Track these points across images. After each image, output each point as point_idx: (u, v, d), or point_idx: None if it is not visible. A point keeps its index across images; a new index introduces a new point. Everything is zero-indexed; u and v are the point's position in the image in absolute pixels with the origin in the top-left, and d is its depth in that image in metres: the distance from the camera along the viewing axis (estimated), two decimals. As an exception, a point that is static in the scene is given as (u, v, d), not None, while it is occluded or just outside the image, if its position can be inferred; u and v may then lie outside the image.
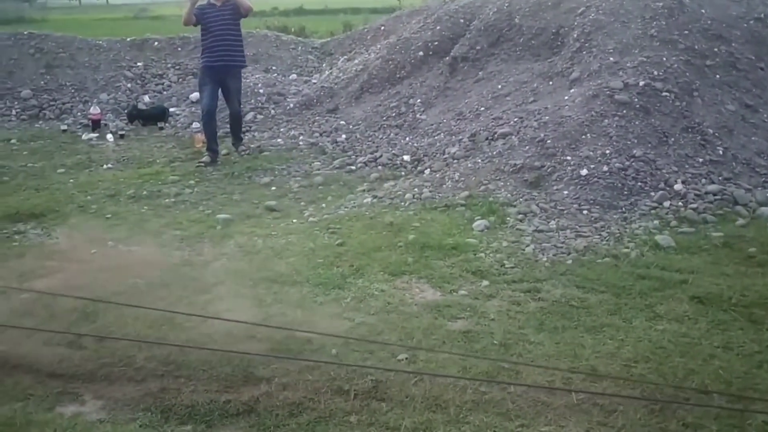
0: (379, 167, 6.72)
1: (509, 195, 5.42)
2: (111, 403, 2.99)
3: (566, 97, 6.40)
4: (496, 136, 6.29)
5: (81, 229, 5.28)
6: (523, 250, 4.61)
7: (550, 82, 6.97)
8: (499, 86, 7.28)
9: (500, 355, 3.32)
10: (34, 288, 4.15)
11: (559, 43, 7.51)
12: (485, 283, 4.15)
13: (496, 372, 3.14)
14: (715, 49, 6.67)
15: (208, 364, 3.26)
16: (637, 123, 5.85)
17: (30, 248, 4.86)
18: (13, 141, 8.40)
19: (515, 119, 6.38)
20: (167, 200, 6.02)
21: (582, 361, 3.25)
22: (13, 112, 9.66)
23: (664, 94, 6.07)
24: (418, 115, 7.58)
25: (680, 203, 5.17)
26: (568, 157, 5.65)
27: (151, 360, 3.30)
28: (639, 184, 5.37)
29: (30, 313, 3.78)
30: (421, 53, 8.51)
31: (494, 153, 6.03)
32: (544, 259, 4.47)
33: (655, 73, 6.25)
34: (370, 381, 3.09)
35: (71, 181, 6.71)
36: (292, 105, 8.91)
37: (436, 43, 8.52)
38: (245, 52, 7.91)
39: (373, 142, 7.38)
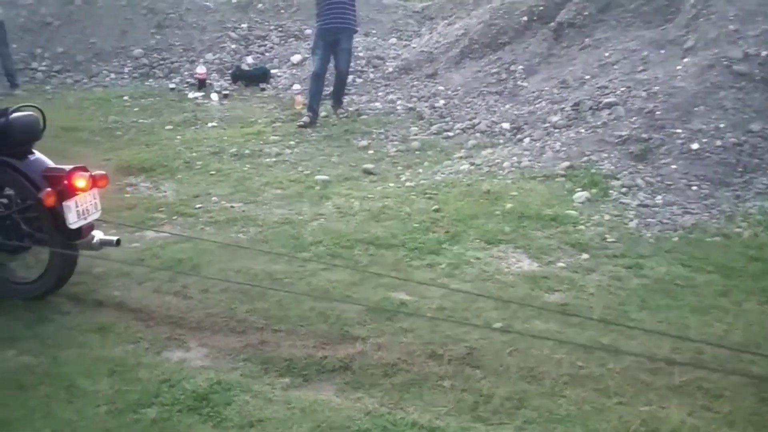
0: (477, 134, 6.62)
1: (613, 167, 5.22)
2: (214, 351, 3.11)
3: (679, 67, 6.06)
4: (601, 105, 6.05)
5: (187, 183, 5.49)
6: (626, 224, 4.45)
7: (662, 51, 6.62)
8: (607, 54, 6.98)
9: (599, 330, 3.24)
10: (145, 238, 4.38)
11: (673, 9, 7.12)
12: (585, 256, 4.04)
13: (595, 347, 3.06)
14: None
15: (306, 320, 3.34)
16: (756, 96, 5.49)
17: (141, 200, 5.09)
18: (125, 98, 8.80)
19: (622, 89, 6.11)
20: (268, 159, 6.17)
21: (686, 342, 3.12)
22: (126, 70, 10.10)
23: (789, 65, 5.66)
24: (519, 82, 7.40)
25: (801, 183, 4.85)
26: (679, 130, 5.37)
27: (252, 313, 3.42)
28: (755, 160, 5.06)
29: (141, 262, 3.97)
30: (524, 18, 8.26)
31: (599, 123, 5.82)
32: (649, 234, 4.31)
33: (780, 42, 5.83)
34: (464, 347, 3.09)
35: (178, 137, 6.97)
36: (391, 69, 8.89)
37: (541, 8, 8.24)
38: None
39: (472, 109, 7.26)
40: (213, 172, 5.77)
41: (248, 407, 2.68)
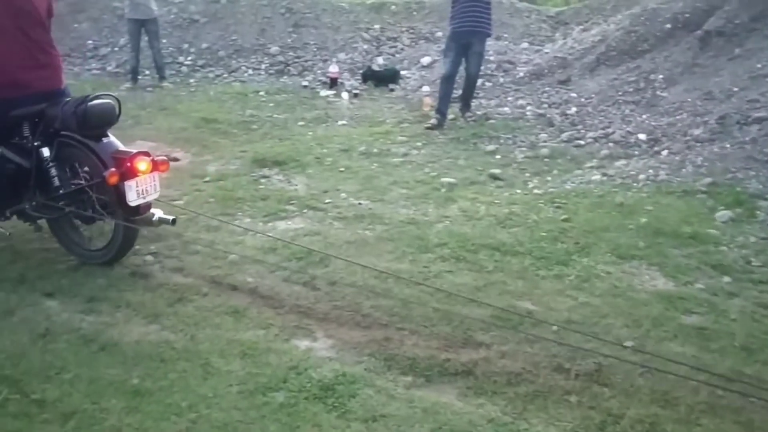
0: (611, 144, 6.40)
1: (761, 186, 4.89)
2: (340, 343, 3.18)
3: (843, 82, 5.59)
4: (750, 120, 5.68)
5: (317, 178, 5.64)
6: (775, 248, 4.15)
7: (824, 64, 6.13)
8: (759, 65, 6.54)
9: (741, 359, 3.03)
10: (277, 229, 4.54)
11: (840, 18, 6.57)
12: (726, 279, 3.80)
13: (736, 377, 2.87)
14: None
15: (430, 321, 3.33)
16: None
17: (273, 192, 5.28)
18: (261, 93, 9.18)
19: (776, 103, 5.71)
20: (395, 159, 6.23)
21: None
22: (263, 66, 10.55)
23: None
24: (658, 92, 7.07)
25: None
26: (840, 150, 4.96)
27: (377, 309, 3.46)
28: None
29: (273, 252, 4.12)
30: (668, 25, 7.90)
31: (747, 139, 5.46)
32: (801, 261, 3.99)
33: None
34: (592, 363, 2.98)
35: (310, 133, 7.19)
36: (521, 74, 8.75)
37: (687, 15, 7.85)
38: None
39: (606, 118, 7.02)
40: (342, 169, 5.89)
41: (372, 401, 2.72)
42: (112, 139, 3.81)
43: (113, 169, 3.56)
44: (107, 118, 3.79)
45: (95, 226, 4.02)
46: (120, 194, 3.61)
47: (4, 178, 3.87)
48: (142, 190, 3.67)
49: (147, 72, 10.25)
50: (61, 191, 3.82)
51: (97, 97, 3.77)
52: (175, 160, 6.14)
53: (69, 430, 2.51)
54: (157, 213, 3.85)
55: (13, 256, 4.05)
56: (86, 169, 3.82)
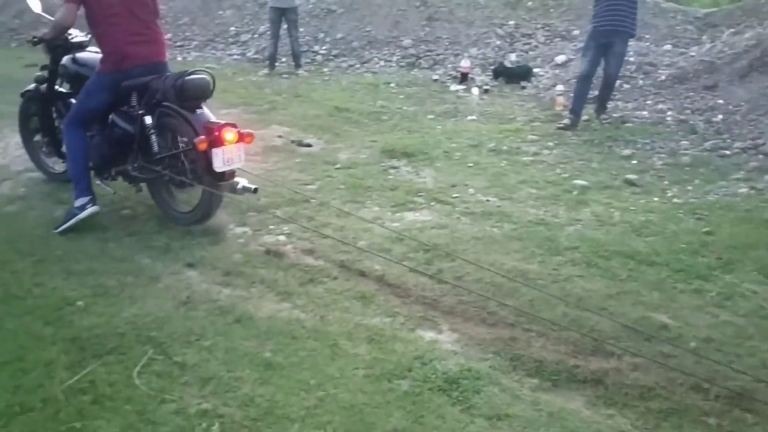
0: (761, 156, 5.98)
1: None
2: (465, 338, 3.16)
3: None
4: None
5: (445, 172, 5.63)
6: None
7: None
8: None
9: None
10: (405, 219, 4.57)
11: None
12: None
13: None
14: None
15: (558, 325, 3.25)
16: None
17: (401, 183, 5.32)
18: (392, 85, 9.28)
19: None
20: (525, 158, 6.11)
21: None
22: (394, 58, 10.66)
23: None
24: (818, 103, 6.54)
25: None
26: None
27: (503, 307, 3.41)
28: None
29: (400, 242, 4.15)
30: (834, 31, 7.27)
31: None
32: None
33: None
34: (734, 386, 2.80)
35: (439, 127, 7.19)
36: (663, 77, 8.34)
37: None
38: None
39: (756, 128, 6.56)
40: (470, 165, 5.85)
41: (496, 400, 2.68)
42: (206, 111, 4.12)
43: (202, 137, 3.86)
44: (202, 92, 4.09)
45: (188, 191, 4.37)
46: (208, 160, 3.90)
47: (113, 141, 4.33)
48: (228, 159, 3.95)
49: (284, 59, 10.62)
50: (159, 156, 4.16)
51: (193, 73, 4.07)
52: (308, 146, 6.33)
53: (207, 394, 2.65)
54: (242, 182, 4.15)
55: (159, 227, 4.31)
56: (182, 137, 4.13)
